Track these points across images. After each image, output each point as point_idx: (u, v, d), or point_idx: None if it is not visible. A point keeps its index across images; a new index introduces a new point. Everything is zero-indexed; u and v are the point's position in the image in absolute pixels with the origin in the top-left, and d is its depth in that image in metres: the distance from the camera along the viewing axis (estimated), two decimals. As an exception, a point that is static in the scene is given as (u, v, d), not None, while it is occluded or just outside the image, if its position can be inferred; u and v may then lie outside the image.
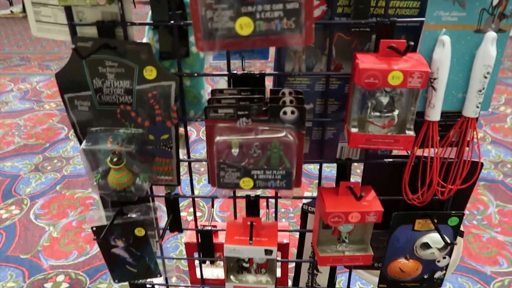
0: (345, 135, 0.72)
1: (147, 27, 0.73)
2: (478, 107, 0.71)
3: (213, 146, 0.65)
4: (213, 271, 1.02)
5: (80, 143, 0.76)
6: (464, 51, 0.69)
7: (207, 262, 0.99)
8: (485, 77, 0.68)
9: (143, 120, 0.73)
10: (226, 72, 0.71)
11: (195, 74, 0.73)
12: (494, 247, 1.87)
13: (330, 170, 2.28)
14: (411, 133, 0.67)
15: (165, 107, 0.72)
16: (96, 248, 1.86)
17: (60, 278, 1.76)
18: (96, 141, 0.72)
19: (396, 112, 0.68)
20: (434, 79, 0.66)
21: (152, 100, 0.71)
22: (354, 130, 0.67)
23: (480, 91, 0.68)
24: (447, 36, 0.66)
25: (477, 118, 0.72)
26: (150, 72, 0.70)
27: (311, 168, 2.38)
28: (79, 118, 0.74)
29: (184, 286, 1.35)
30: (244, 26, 0.51)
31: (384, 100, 0.66)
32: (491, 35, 0.67)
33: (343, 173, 0.79)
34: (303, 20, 0.51)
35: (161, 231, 0.86)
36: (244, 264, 0.87)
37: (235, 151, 0.63)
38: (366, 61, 0.63)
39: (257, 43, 0.53)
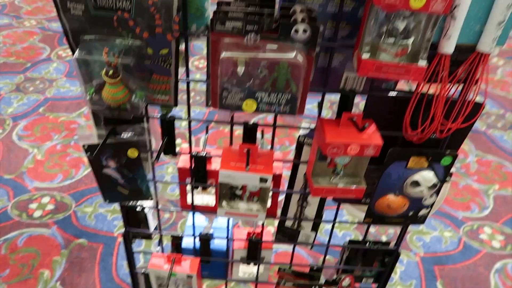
0: (353, 63, 0.69)
1: None
2: (494, 41, 0.68)
3: (217, 63, 0.61)
4: (204, 198, 1.02)
5: (73, 52, 0.71)
6: (489, -19, 0.64)
7: (199, 188, 0.99)
8: (508, 8, 0.65)
9: (142, 30, 0.67)
10: (234, -16, 0.66)
11: None
12: (469, 194, 1.94)
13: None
14: (423, 63, 0.64)
15: (166, 17, 0.66)
16: (81, 173, 1.85)
17: (45, 199, 1.76)
18: (90, 51, 0.67)
19: (411, 40, 0.65)
20: (455, 6, 0.62)
21: (152, 8, 0.65)
22: (365, 56, 0.63)
23: (500, 23, 0.65)
24: (473, -38, 0.62)
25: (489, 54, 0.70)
26: None
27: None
28: (71, 24, 0.68)
29: (175, 210, 1.37)
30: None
31: (401, 25, 0.63)
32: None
33: (346, 104, 0.77)
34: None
35: (154, 154, 0.84)
36: (237, 192, 0.86)
37: (240, 69, 0.60)
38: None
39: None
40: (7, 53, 2.86)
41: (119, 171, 0.84)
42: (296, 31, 0.59)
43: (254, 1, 0.66)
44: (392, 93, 0.78)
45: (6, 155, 2.02)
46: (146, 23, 0.67)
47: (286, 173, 0.94)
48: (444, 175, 0.87)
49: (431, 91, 0.74)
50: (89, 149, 0.78)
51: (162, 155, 0.83)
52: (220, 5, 0.64)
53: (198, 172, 0.86)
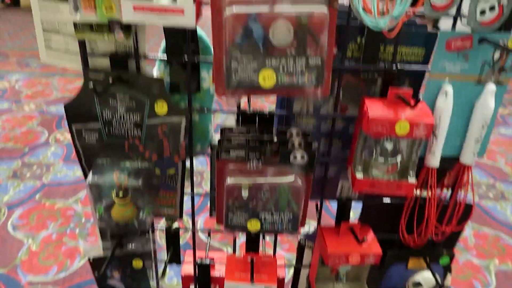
0: (348, 178, 0.74)
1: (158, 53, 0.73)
2: (474, 154, 0.74)
3: (223, 185, 0.66)
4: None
5: (84, 172, 0.75)
6: (465, 100, 0.72)
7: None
8: (483, 127, 0.72)
9: (151, 154, 0.72)
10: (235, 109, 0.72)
11: (206, 111, 0.73)
12: (470, 270, 1.92)
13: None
14: (413, 180, 0.69)
15: (173, 142, 0.72)
16: (77, 263, 1.82)
17: (39, 294, 1.69)
18: (102, 174, 0.71)
19: (399, 158, 0.70)
20: (436, 127, 0.69)
21: (161, 135, 0.71)
22: (359, 176, 0.68)
23: (477, 140, 0.71)
24: (450, 86, 0.69)
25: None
26: (161, 107, 0.70)
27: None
28: (85, 149, 0.73)
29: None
30: (267, 79, 0.52)
31: (389, 146, 0.69)
32: (491, 87, 0.70)
33: (343, 211, 0.81)
34: (324, 74, 0.53)
35: (159, 264, 0.85)
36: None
37: (245, 193, 0.64)
38: (374, 109, 0.65)
39: (278, 93, 0.54)
40: (6, 138, 2.91)
41: (123, 281, 0.84)
42: (295, 157, 0.65)
43: (253, 125, 0.72)
44: (387, 201, 0.82)
45: (0, 247, 1.99)
46: (155, 148, 0.72)
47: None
48: (444, 273, 0.89)
49: (423, 195, 0.78)
50: (95, 263, 0.80)
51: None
52: (224, 131, 0.70)
53: (202, 280, 0.86)
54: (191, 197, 0.79)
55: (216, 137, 0.81)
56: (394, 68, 0.68)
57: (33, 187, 2.39)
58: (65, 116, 0.70)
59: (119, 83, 0.68)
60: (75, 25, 0.60)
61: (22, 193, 2.31)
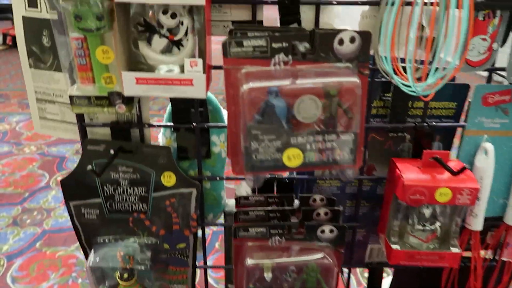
0: (382, 247, 0.66)
1: (164, 119, 0.67)
2: (520, 213, 0.66)
3: (242, 265, 0.58)
4: None
5: (84, 251, 0.68)
6: (506, 157, 0.65)
7: None
8: (528, 184, 0.64)
9: (158, 229, 0.65)
10: (252, 177, 0.65)
11: (218, 178, 0.66)
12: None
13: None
14: (456, 250, 0.61)
15: (183, 215, 0.64)
16: (80, 319, 1.71)
17: None
18: (104, 255, 0.63)
19: (438, 224, 0.62)
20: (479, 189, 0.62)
21: (169, 208, 0.64)
22: (395, 247, 0.61)
23: (524, 200, 0.64)
24: (490, 144, 0.62)
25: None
26: (168, 178, 0.62)
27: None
28: (85, 227, 0.65)
29: None
30: (293, 158, 0.45)
31: (427, 212, 0.61)
32: (533, 140, 0.63)
33: (375, 277, 0.73)
34: (357, 149, 0.46)
35: None
36: None
37: (267, 275, 0.56)
38: (408, 174, 0.58)
39: (303, 170, 0.47)
40: (6, 183, 2.84)
41: None
42: (323, 231, 0.57)
43: (271, 192, 0.65)
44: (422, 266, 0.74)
45: (-1, 302, 1.87)
46: (163, 221, 0.65)
47: None
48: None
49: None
50: None
51: None
52: (239, 201, 0.63)
53: None
54: (204, 270, 0.71)
55: (230, 202, 0.73)
56: (425, 125, 0.62)
57: (34, 235, 2.29)
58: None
59: (122, 154, 0.61)
60: (71, 98, 0.54)
61: (22, 242, 2.22)
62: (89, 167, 0.57)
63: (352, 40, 0.44)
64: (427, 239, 0.62)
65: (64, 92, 0.62)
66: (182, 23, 0.50)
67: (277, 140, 0.44)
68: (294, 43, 0.38)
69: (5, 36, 4.79)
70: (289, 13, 0.54)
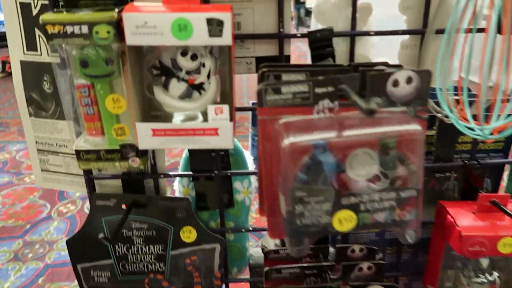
0: (431, 299, 0.58)
1: (180, 165, 0.60)
2: None
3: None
4: None
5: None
6: None
7: None
8: None
9: (178, 290, 0.57)
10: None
11: (243, 230, 0.59)
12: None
13: None
14: (520, 304, 0.53)
15: (206, 273, 0.57)
16: None
17: None
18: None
19: (496, 274, 0.55)
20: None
21: (190, 267, 0.56)
22: (451, 303, 0.53)
23: None
24: (548, 180, 0.55)
25: None
26: (188, 234, 0.55)
27: None
28: (95, 292, 0.58)
29: None
30: (345, 221, 0.38)
31: (485, 262, 0.54)
32: None
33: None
34: (419, 207, 0.39)
35: None
36: None
37: None
38: (464, 221, 0.51)
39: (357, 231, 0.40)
40: (6, 215, 2.75)
41: None
42: (360, 269, 0.50)
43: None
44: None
45: None
46: (183, 282, 0.57)
47: None
48: None
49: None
50: None
51: None
52: (268, 255, 0.55)
53: None
54: (230, 332, 0.63)
55: (255, 252, 0.66)
56: (476, 163, 0.55)
57: (36, 270, 2.20)
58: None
59: (135, 209, 0.54)
60: (78, 153, 0.47)
61: (23, 278, 2.13)
62: (101, 235, 0.50)
63: (409, 80, 0.37)
64: (486, 293, 0.54)
65: (68, 142, 0.55)
66: (203, 65, 0.44)
67: (326, 202, 0.37)
68: (355, 99, 0.31)
69: (4, 63, 4.76)
70: (322, 47, 0.48)
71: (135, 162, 0.48)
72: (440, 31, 0.47)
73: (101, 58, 0.43)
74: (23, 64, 0.52)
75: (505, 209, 0.50)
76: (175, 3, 0.41)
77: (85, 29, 0.40)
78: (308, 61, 0.49)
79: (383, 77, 0.37)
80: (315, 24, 0.52)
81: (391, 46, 0.52)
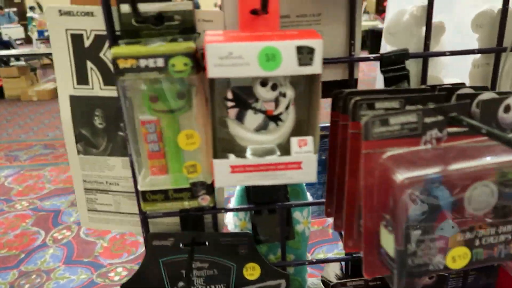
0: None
1: (234, 197, 0.57)
2: None
3: None
4: None
5: None
6: None
7: None
8: None
9: (242, 332, 0.53)
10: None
11: (307, 263, 0.56)
12: None
13: None
14: None
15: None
16: None
17: None
18: None
19: None
20: None
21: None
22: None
23: None
24: None
25: None
26: (252, 271, 0.52)
27: None
28: None
29: None
30: (459, 259, 0.35)
31: None
32: None
33: None
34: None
35: None
36: None
37: None
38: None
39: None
40: (-1, 245, 2.63)
41: None
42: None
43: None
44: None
45: None
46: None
47: None
48: None
49: None
50: None
51: None
52: (337, 289, 0.52)
53: None
54: None
55: (311, 283, 0.62)
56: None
57: (35, 303, 2.10)
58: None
59: (196, 248, 0.50)
60: (143, 194, 0.43)
61: (23, 312, 2.02)
62: (181, 284, 0.46)
63: (520, 106, 0.35)
64: None
65: (120, 180, 0.51)
66: (284, 95, 0.41)
67: (441, 239, 0.34)
68: (491, 131, 0.28)
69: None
70: (396, 70, 0.45)
71: (205, 200, 0.44)
72: (518, 49, 0.45)
73: (173, 92, 0.40)
74: (73, 99, 0.48)
75: None
76: (255, 30, 0.39)
77: (160, 62, 0.37)
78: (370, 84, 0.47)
79: (494, 102, 0.34)
80: (384, 46, 0.49)
81: (461, 65, 0.50)
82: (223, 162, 0.40)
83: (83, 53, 0.46)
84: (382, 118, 0.34)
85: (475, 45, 0.49)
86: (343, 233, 0.43)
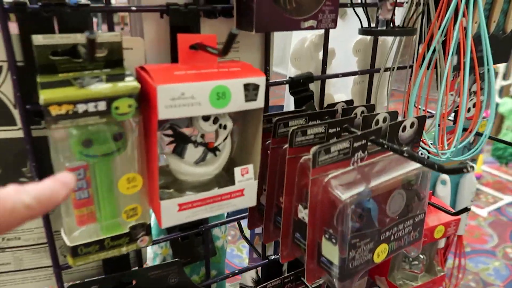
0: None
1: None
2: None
3: None
4: None
5: None
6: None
7: None
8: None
9: None
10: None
11: (230, 275, 0.58)
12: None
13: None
14: (442, 272, 0.70)
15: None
16: None
17: None
18: None
19: (422, 256, 0.70)
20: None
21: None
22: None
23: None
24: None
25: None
26: (183, 298, 0.51)
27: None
28: None
29: None
30: (381, 253, 0.44)
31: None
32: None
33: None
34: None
35: None
36: None
37: None
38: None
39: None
40: None
41: None
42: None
43: (279, 275, 0.60)
44: None
45: None
46: None
47: None
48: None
49: None
50: None
51: None
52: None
53: None
54: None
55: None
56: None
57: None
58: None
59: (123, 290, 0.47)
60: (74, 250, 0.37)
61: None
62: None
63: (412, 125, 0.44)
64: (421, 271, 0.69)
65: (23, 233, 0.43)
66: (225, 127, 0.41)
67: (371, 242, 0.41)
68: (397, 148, 0.36)
69: None
70: (302, 91, 0.51)
71: (144, 242, 0.42)
72: (387, 69, 0.56)
73: (109, 135, 0.36)
74: None
75: (440, 207, 0.65)
76: (194, 63, 0.38)
77: (102, 105, 0.33)
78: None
79: (397, 125, 0.43)
80: (290, 69, 0.54)
81: (346, 83, 0.59)
82: (170, 202, 0.39)
83: None
84: (326, 148, 0.38)
85: (355, 67, 0.58)
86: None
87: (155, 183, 0.38)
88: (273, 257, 0.60)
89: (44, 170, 0.40)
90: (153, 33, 0.43)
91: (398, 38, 0.54)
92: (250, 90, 0.38)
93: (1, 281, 0.44)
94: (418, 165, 0.44)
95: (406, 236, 0.46)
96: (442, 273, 0.70)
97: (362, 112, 0.52)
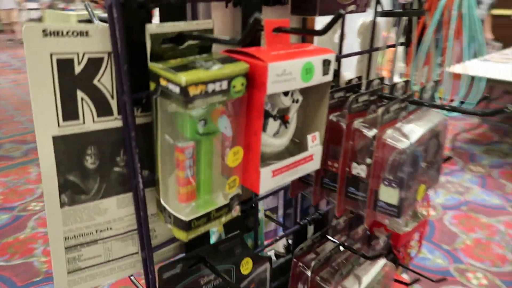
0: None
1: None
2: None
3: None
4: None
5: None
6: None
7: None
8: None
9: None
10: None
11: (278, 237, 0.63)
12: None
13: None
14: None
15: (261, 294, 0.59)
16: None
17: None
18: None
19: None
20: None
21: (252, 296, 0.57)
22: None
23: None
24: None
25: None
26: (246, 266, 0.56)
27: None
28: None
29: None
30: (421, 192, 0.53)
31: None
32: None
33: None
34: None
35: None
36: None
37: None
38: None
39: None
40: None
41: None
42: None
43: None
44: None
45: None
46: (247, 314, 0.57)
47: None
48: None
49: None
50: None
51: None
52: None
53: None
54: None
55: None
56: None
57: None
58: None
59: (202, 265, 0.51)
60: (189, 224, 0.40)
61: None
62: None
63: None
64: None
65: (114, 222, 0.44)
66: (297, 101, 0.47)
67: (417, 184, 0.51)
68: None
69: None
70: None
71: (236, 211, 0.46)
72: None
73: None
74: (58, 140, 0.37)
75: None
76: (276, 45, 0.43)
77: (225, 84, 0.37)
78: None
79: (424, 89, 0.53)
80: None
81: (353, 61, 0.68)
82: (268, 169, 0.44)
83: (73, 81, 0.37)
84: (387, 108, 0.47)
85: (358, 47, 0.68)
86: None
87: (257, 154, 0.42)
88: (302, 222, 0.67)
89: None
90: (219, 21, 0.46)
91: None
92: (326, 65, 0.44)
93: (92, 274, 0.45)
94: (442, 118, 0.54)
95: (433, 177, 0.57)
96: (424, 218, 0.84)
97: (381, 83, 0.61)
